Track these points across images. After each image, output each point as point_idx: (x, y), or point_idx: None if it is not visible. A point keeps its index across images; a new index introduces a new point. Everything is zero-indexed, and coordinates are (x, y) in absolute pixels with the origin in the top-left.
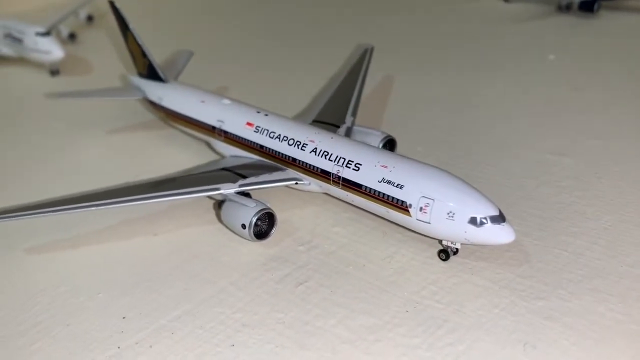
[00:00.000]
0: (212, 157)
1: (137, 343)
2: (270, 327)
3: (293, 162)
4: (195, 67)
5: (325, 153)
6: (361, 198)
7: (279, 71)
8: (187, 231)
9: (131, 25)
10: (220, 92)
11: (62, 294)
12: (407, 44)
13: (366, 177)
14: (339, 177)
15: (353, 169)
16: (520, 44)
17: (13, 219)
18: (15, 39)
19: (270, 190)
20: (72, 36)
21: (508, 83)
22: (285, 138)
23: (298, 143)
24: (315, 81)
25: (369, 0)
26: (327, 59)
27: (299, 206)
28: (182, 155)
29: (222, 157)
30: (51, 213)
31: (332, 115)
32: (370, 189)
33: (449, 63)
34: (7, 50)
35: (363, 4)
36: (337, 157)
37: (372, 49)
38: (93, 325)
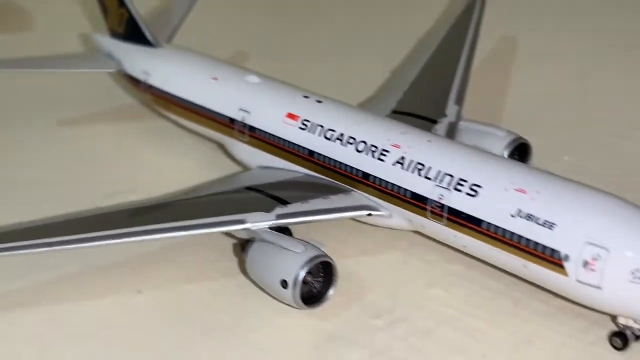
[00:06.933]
0: (229, 168)
1: None
2: None
3: (364, 180)
4: (198, 22)
5: (420, 166)
6: (479, 242)
7: (326, 37)
8: (189, 288)
9: None
10: (240, 63)
11: None
12: None
13: (490, 207)
14: (442, 205)
15: (467, 194)
16: None
17: None
18: None
19: (323, 225)
20: None
21: None
22: (352, 140)
23: (373, 148)
24: (389, 50)
25: None
26: (409, 16)
27: (371, 251)
28: (179, 163)
29: (246, 168)
30: None
31: (424, 103)
32: (497, 227)
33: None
34: None
35: None
36: (439, 172)
37: None
38: None
